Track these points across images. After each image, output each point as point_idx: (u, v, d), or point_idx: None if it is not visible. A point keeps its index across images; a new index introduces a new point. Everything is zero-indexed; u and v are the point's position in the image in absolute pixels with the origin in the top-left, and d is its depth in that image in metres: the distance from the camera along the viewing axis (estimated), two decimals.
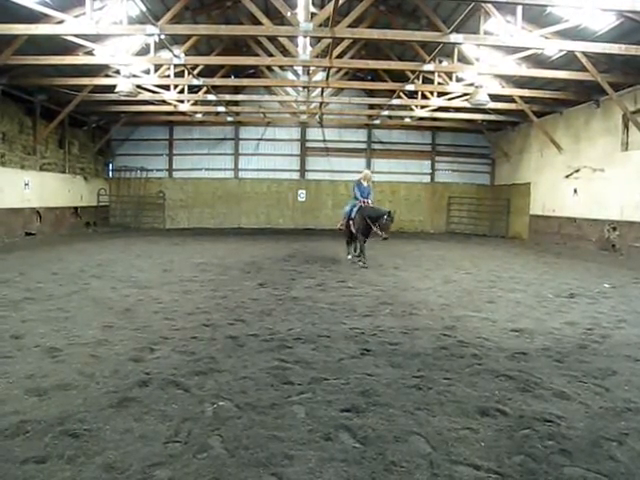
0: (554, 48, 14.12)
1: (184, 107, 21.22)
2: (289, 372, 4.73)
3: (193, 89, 20.14)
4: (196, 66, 17.83)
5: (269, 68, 21.98)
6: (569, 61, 15.29)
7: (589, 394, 4.38)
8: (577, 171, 19.15)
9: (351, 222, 12.59)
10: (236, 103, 23.22)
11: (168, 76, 17.86)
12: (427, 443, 3.42)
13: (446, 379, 4.60)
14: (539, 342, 5.98)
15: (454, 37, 12.41)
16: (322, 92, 20.09)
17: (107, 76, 17.63)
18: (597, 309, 8.04)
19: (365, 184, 12.82)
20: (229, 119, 24.19)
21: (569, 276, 11.62)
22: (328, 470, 3.08)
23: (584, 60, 14.47)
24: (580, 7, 10.88)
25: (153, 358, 5.09)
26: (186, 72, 17.47)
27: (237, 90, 23.50)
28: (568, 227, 19.63)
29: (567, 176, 19.67)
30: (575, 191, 19.29)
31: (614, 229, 16.94)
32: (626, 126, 16.78)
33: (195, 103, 21.49)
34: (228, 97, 20.95)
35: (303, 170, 27.25)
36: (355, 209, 12.57)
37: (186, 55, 15.63)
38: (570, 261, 14.88)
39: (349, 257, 13.23)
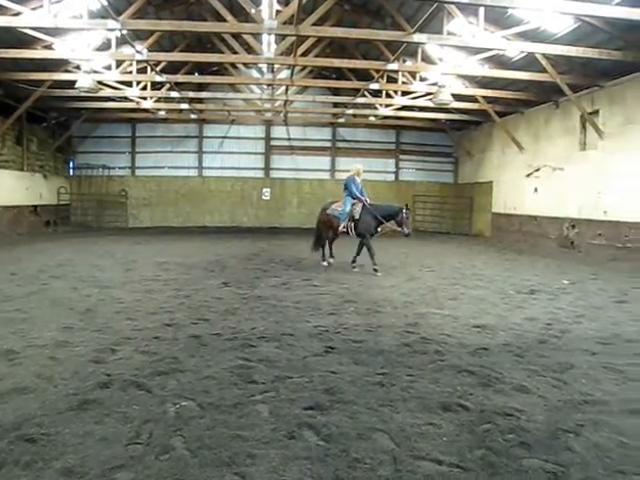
0: (515, 49, 14.37)
1: (147, 104, 20.89)
2: (253, 371, 4.71)
3: (156, 86, 19.86)
4: (159, 62, 17.59)
5: (233, 65, 21.81)
6: (530, 62, 15.58)
7: (548, 388, 4.48)
8: (537, 170, 19.54)
9: (351, 224, 11.58)
10: (200, 100, 23.04)
11: (130, 72, 17.57)
12: (390, 439, 3.44)
13: (409, 375, 4.64)
14: (500, 338, 6.09)
15: (418, 37, 12.52)
16: (287, 90, 20.05)
17: (67, 71, 17.25)
18: (556, 305, 8.22)
19: (358, 180, 11.91)
20: (193, 116, 23.97)
21: (530, 273, 11.86)
22: (292, 468, 3.07)
23: (544, 62, 14.79)
24: (539, 10, 11.08)
25: (114, 359, 5.01)
26: (149, 68, 17.24)
27: (201, 87, 23.23)
28: (529, 225, 20.02)
29: (528, 175, 20.05)
30: (535, 189, 19.68)
31: (573, 227, 17.33)
32: (584, 126, 17.19)
33: (158, 100, 21.16)
34: (192, 94, 20.72)
35: (268, 168, 27.16)
36: (358, 209, 11.57)
37: (149, 51, 15.38)
38: (531, 258, 15.18)
39: (325, 264, 12.23)
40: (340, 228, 11.77)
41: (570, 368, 5.02)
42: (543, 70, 15.21)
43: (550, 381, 4.64)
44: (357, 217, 11.54)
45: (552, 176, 18.57)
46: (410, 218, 11.82)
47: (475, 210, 25.41)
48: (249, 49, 16.77)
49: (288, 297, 8.30)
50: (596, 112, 16.38)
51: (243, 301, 7.96)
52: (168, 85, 19.16)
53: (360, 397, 4.12)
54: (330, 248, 12.50)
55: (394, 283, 9.98)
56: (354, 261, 11.81)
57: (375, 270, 11.14)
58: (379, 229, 11.80)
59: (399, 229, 11.60)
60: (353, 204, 11.64)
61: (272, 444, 3.35)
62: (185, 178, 26.67)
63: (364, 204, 11.60)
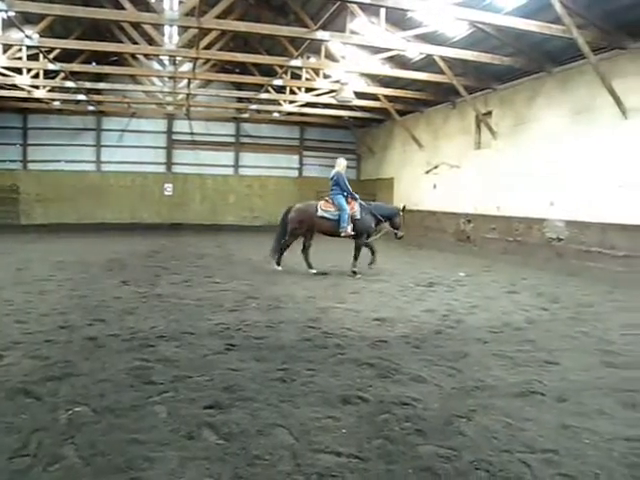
0: (415, 51, 14.80)
1: (39, 93, 19.70)
2: (151, 371, 4.58)
3: (49, 74, 18.74)
4: (52, 49, 16.60)
5: (133, 56, 21.01)
6: (428, 64, 16.14)
7: (443, 376, 4.67)
8: (436, 167, 20.29)
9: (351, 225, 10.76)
10: (98, 92, 21.95)
11: (20, 59, 16.50)
12: (290, 434, 3.46)
13: (310, 370, 4.68)
14: (399, 330, 6.28)
15: (321, 34, 12.65)
16: (189, 83, 19.64)
17: None
18: (453, 296, 8.61)
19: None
20: (90, 108, 22.88)
21: (429, 266, 12.32)
22: (190, 469, 3.02)
23: (442, 64, 15.37)
24: (437, 14, 11.51)
25: (1, 365, 4.69)
26: (41, 55, 16.25)
27: (99, 78, 22.15)
28: (429, 220, 20.74)
29: (427, 172, 20.79)
30: (434, 186, 20.43)
31: (469, 221, 18.15)
32: (478, 126, 18.04)
33: (52, 90, 20.01)
34: (89, 85, 19.72)
35: (170, 163, 26.47)
36: (357, 208, 10.90)
37: (40, 37, 14.50)
38: (430, 252, 15.79)
39: (313, 271, 10.95)
40: (345, 234, 10.73)
41: (464, 357, 5.26)
42: (441, 72, 15.81)
43: (445, 370, 4.84)
44: (358, 217, 10.83)
45: (450, 173, 19.36)
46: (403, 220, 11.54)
47: None
48: (150, 40, 16.24)
49: (189, 295, 8.15)
50: (489, 113, 17.24)
51: (142, 300, 7.73)
52: (63, 74, 18.16)
53: (260, 394, 4.11)
54: (307, 255, 11.21)
55: (296, 279, 10.04)
56: (354, 266, 10.94)
57: (354, 272, 10.73)
58: (386, 229, 11.42)
59: (395, 230, 11.30)
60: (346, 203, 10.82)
61: (170, 446, 3.27)
62: (82, 173, 25.34)
63: (361, 203, 11.11)
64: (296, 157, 28.06)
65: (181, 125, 26.30)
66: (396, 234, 11.33)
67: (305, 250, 11.22)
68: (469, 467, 3.08)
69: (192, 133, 26.35)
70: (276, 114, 24.08)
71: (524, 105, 15.61)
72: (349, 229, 10.71)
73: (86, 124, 25.32)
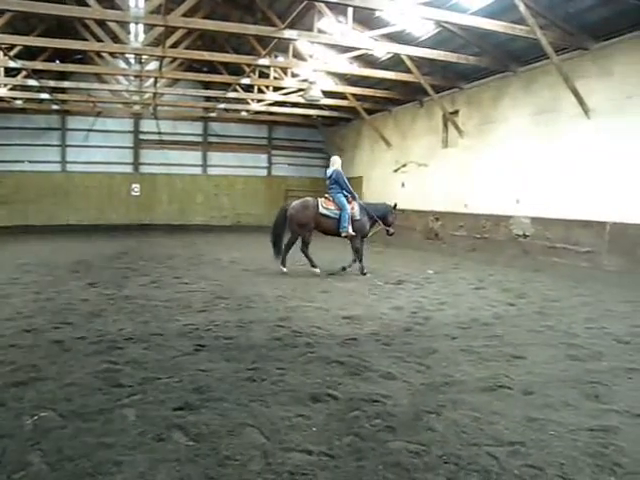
0: (382, 50, 14.92)
1: (0, 92, 19.29)
2: (119, 374, 4.51)
3: (11, 72, 18.31)
4: (13, 46, 16.22)
5: (99, 54, 20.66)
6: (396, 63, 16.28)
7: (412, 372, 4.70)
8: (404, 166, 20.46)
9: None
10: (62, 90, 21.53)
11: None
12: (261, 434, 3.44)
13: (280, 369, 4.67)
14: (368, 327, 6.31)
15: (288, 33, 12.65)
16: (155, 82, 19.43)
17: None
18: (421, 294, 8.69)
19: None
20: (55, 107, 22.50)
21: (398, 264, 12.41)
22: (160, 472, 2.97)
23: (409, 63, 15.51)
24: (404, 14, 11.61)
25: None
26: (1, 53, 15.87)
27: (63, 76, 21.77)
28: (397, 218, 20.81)
29: (395, 170, 20.95)
30: (403, 184, 20.60)
31: (437, 219, 18.35)
32: (446, 125, 18.24)
33: (13, 88, 19.60)
34: (53, 83, 19.30)
35: (137, 163, 26.17)
36: (357, 208, 10.84)
37: (0, 33, 14.15)
38: (399, 250, 15.89)
39: (317, 271, 10.71)
40: (346, 234, 10.57)
41: (433, 353, 5.30)
42: (408, 71, 15.96)
43: (414, 366, 4.88)
44: (358, 218, 10.73)
45: (418, 172, 19.55)
46: (396, 217, 11.66)
47: None
48: (115, 38, 16.01)
49: (158, 296, 8.05)
50: (456, 112, 17.46)
51: (110, 302, 7.60)
52: (25, 72, 17.78)
53: (230, 394, 4.08)
54: (308, 253, 10.93)
55: (266, 278, 10.02)
56: (348, 267, 11.00)
57: (364, 273, 10.62)
58: (381, 227, 11.38)
59: (387, 228, 11.33)
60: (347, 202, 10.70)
61: (139, 449, 3.22)
62: (47, 173, 24.83)
63: (360, 203, 11.07)
64: (264, 156, 28.02)
65: (148, 124, 26.02)
66: (388, 231, 11.38)
67: (305, 248, 10.92)
68: (438, 461, 3.11)
69: (159, 133, 26.09)
70: (244, 113, 24.00)
71: (490, 104, 15.84)
72: (350, 230, 10.57)
73: (50, 123, 24.84)
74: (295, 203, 11.06)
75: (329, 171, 11.20)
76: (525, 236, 14.29)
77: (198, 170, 27.00)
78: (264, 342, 5.56)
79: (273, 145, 28.10)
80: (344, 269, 10.93)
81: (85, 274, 10.21)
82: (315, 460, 3.13)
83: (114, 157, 25.76)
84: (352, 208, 10.75)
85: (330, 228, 10.77)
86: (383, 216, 11.32)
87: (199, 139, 27.03)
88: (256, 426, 3.55)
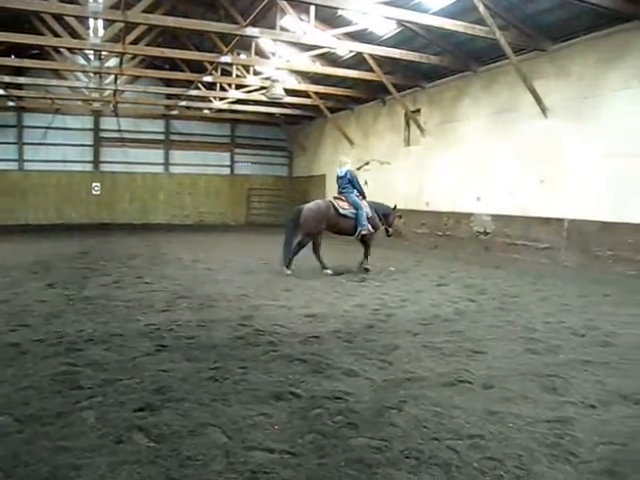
0: (345, 48, 14.97)
1: None
2: (78, 376, 4.41)
3: None
4: None
5: (56, 50, 20.21)
6: (359, 62, 16.35)
7: (374, 369, 4.73)
8: (367, 164, 20.59)
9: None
10: (18, 86, 20.99)
11: None
12: (223, 433, 3.42)
13: (242, 368, 4.65)
14: (331, 325, 6.32)
15: (250, 30, 12.58)
16: (116, 79, 19.13)
17: None
18: (384, 291, 8.75)
19: None
20: (10, 104, 21.95)
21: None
22: (120, 474, 2.93)
23: (371, 61, 15.61)
24: (366, 12, 11.67)
25: None
26: None
27: (19, 72, 21.20)
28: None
29: (358, 168, 21.01)
30: (366, 182, 20.63)
31: (399, 217, 18.45)
32: (408, 124, 18.43)
33: None
34: (8, 79, 18.84)
35: (97, 162, 25.74)
36: (368, 207, 10.89)
37: None
38: (361, 248, 15.92)
39: (329, 272, 10.54)
40: (366, 231, 10.62)
41: (395, 349, 5.34)
42: (371, 70, 16.06)
43: (376, 363, 4.90)
44: (370, 215, 10.82)
45: (380, 170, 19.68)
46: (395, 218, 11.87)
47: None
48: (73, 33, 15.68)
49: (119, 296, 7.92)
50: (418, 111, 17.64)
51: (70, 303, 7.44)
52: None
53: (192, 394, 4.04)
54: (319, 255, 10.81)
55: (228, 277, 9.96)
56: (362, 263, 11.10)
57: (367, 269, 10.86)
58: (382, 227, 11.49)
59: (388, 228, 11.56)
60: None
61: (99, 451, 3.17)
62: (3, 172, 24.25)
63: (368, 202, 11.05)
64: (227, 155, 27.89)
65: (109, 122, 25.63)
66: (387, 231, 11.66)
67: (317, 250, 10.74)
68: (400, 456, 3.13)
69: (120, 130, 25.73)
70: (206, 111, 23.80)
71: (451, 103, 16.05)
72: (370, 227, 10.64)
73: (6, 120, 24.24)
74: (310, 205, 10.73)
75: (341, 171, 11.07)
76: (486, 233, 14.53)
77: (160, 169, 26.70)
78: (226, 341, 5.52)
79: (236, 143, 27.96)
80: (367, 270, 10.92)
81: (44, 275, 9.97)
82: (277, 458, 3.12)
83: (74, 155, 25.28)
84: (365, 206, 10.82)
85: (348, 228, 10.70)
86: (386, 215, 11.49)
87: (161, 137, 26.73)
88: (218, 426, 3.52)
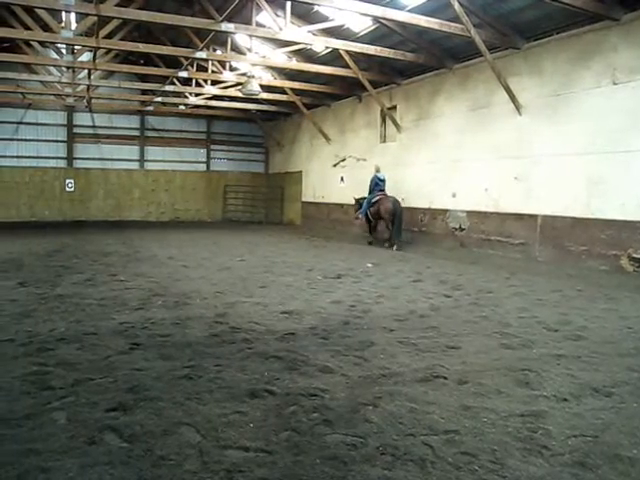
0: (321, 45, 14.94)
1: None
2: (49, 376, 4.34)
3: None
4: None
5: (27, 43, 19.78)
6: (335, 58, 16.33)
7: (350, 366, 4.73)
8: (343, 160, 20.59)
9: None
10: None
11: None
12: (197, 432, 3.39)
13: (217, 366, 4.61)
14: (307, 322, 6.31)
15: (225, 26, 12.46)
16: (89, 74, 18.79)
17: None
18: (360, 287, 8.77)
19: None
20: None
21: (337, 258, 12.47)
22: (91, 476, 2.87)
23: (347, 58, 15.58)
24: (342, 9, 11.64)
25: None
26: None
27: None
28: (336, 212, 21.04)
29: (334, 165, 21.07)
30: (342, 179, 20.72)
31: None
32: (384, 120, 18.46)
33: None
34: None
35: (71, 158, 25.28)
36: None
37: None
38: (338, 244, 15.99)
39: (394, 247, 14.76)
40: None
41: (370, 345, 5.35)
42: (347, 66, 16.03)
43: (352, 359, 4.91)
44: None
45: (357, 166, 19.70)
46: None
47: (286, 199, 26.15)
48: (45, 26, 15.38)
49: (92, 294, 7.80)
50: (394, 107, 17.68)
51: (42, 301, 7.31)
52: None
53: (166, 392, 4.00)
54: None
55: (204, 274, 9.89)
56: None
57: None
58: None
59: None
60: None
61: (69, 453, 3.11)
62: None
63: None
64: (203, 151, 27.67)
65: (82, 118, 25.22)
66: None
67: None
68: (375, 453, 3.14)
69: (94, 126, 25.35)
70: (182, 107, 23.57)
71: (427, 100, 16.12)
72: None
73: None
74: (392, 199, 15.03)
75: (382, 175, 15.69)
76: (461, 229, 14.64)
77: (135, 165, 26.38)
78: (201, 339, 5.48)
79: (212, 140, 27.74)
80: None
81: (15, 273, 9.78)
82: (252, 457, 3.11)
83: (46, 151, 24.81)
84: None
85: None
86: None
87: (136, 133, 26.38)
88: (192, 424, 3.49)
